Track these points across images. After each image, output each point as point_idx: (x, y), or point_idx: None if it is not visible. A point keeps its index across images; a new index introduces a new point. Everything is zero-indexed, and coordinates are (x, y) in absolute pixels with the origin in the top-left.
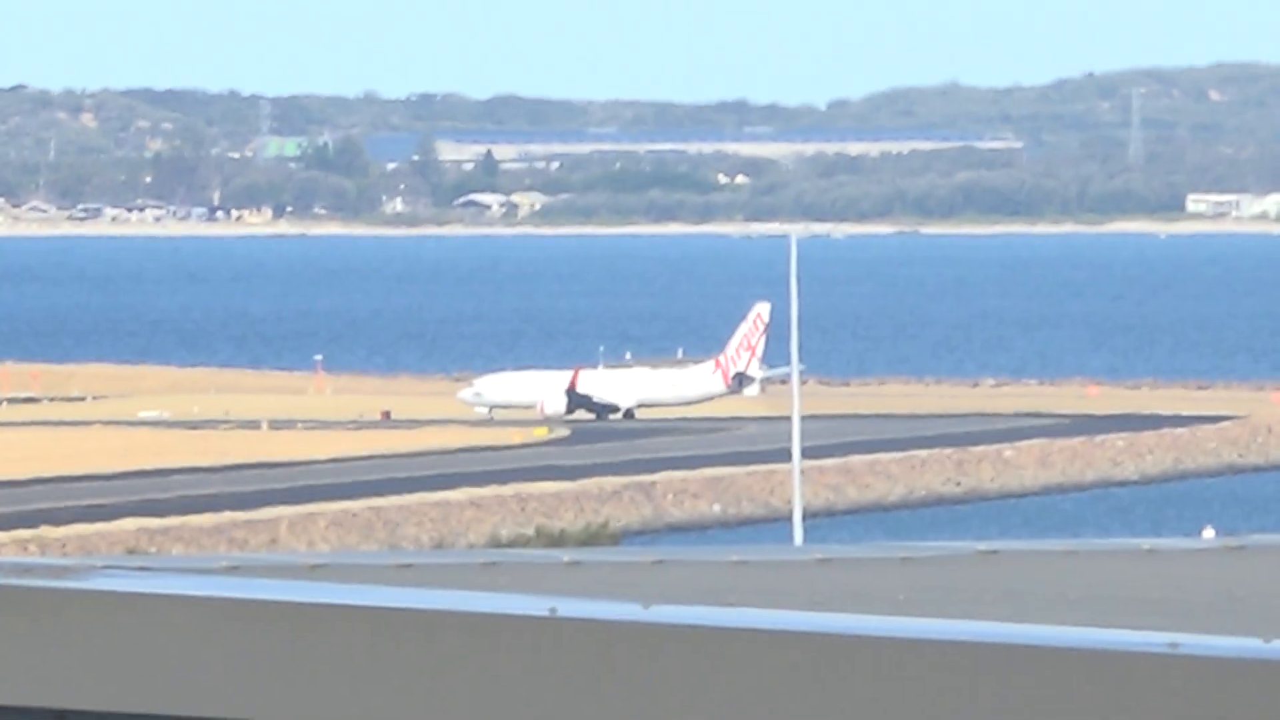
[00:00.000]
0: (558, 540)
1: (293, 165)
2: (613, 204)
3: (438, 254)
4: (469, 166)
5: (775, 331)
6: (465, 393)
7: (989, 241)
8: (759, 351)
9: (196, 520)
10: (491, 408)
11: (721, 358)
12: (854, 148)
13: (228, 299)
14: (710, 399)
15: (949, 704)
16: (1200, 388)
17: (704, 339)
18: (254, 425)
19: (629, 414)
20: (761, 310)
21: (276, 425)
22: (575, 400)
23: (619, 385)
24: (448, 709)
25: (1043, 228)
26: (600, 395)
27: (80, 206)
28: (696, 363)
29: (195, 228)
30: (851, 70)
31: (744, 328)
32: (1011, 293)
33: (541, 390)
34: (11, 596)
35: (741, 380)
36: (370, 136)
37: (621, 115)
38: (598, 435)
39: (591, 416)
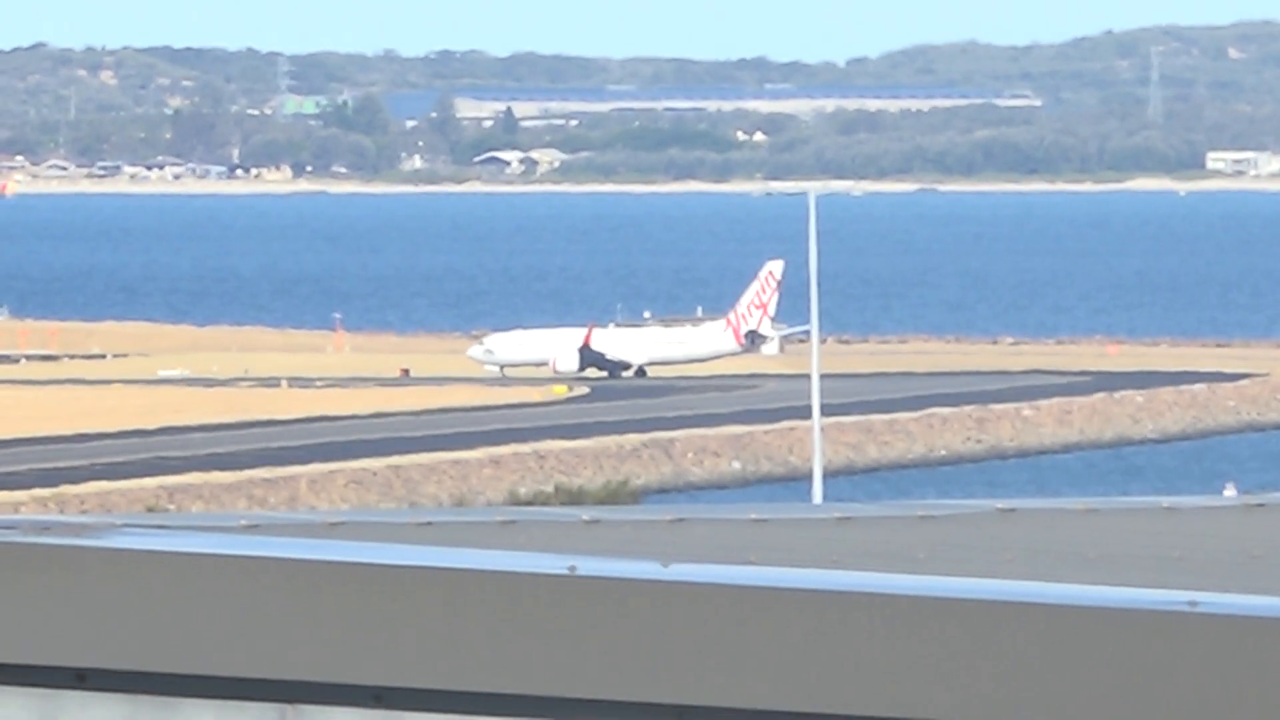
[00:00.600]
0: (577, 498)
1: (312, 123)
2: (632, 161)
3: (457, 211)
4: (488, 124)
5: (794, 289)
6: (475, 350)
7: (1008, 199)
8: (771, 309)
9: (216, 478)
10: (503, 366)
11: (732, 316)
12: (873, 104)
13: (247, 257)
14: (722, 357)
15: (968, 661)
16: (1219, 345)
17: (723, 297)
18: (273, 383)
19: (640, 371)
20: (773, 268)
21: (295, 383)
22: (588, 358)
23: (630, 343)
24: (466, 667)
25: (1061, 185)
26: (612, 353)
27: (100, 164)
28: (710, 320)
29: (214, 185)
30: (871, 27)
31: (755, 285)
32: (1030, 250)
33: (553, 348)
34: (31, 554)
35: (754, 338)
36: (389, 94)
37: (641, 72)
38: (617, 393)
39: (604, 374)
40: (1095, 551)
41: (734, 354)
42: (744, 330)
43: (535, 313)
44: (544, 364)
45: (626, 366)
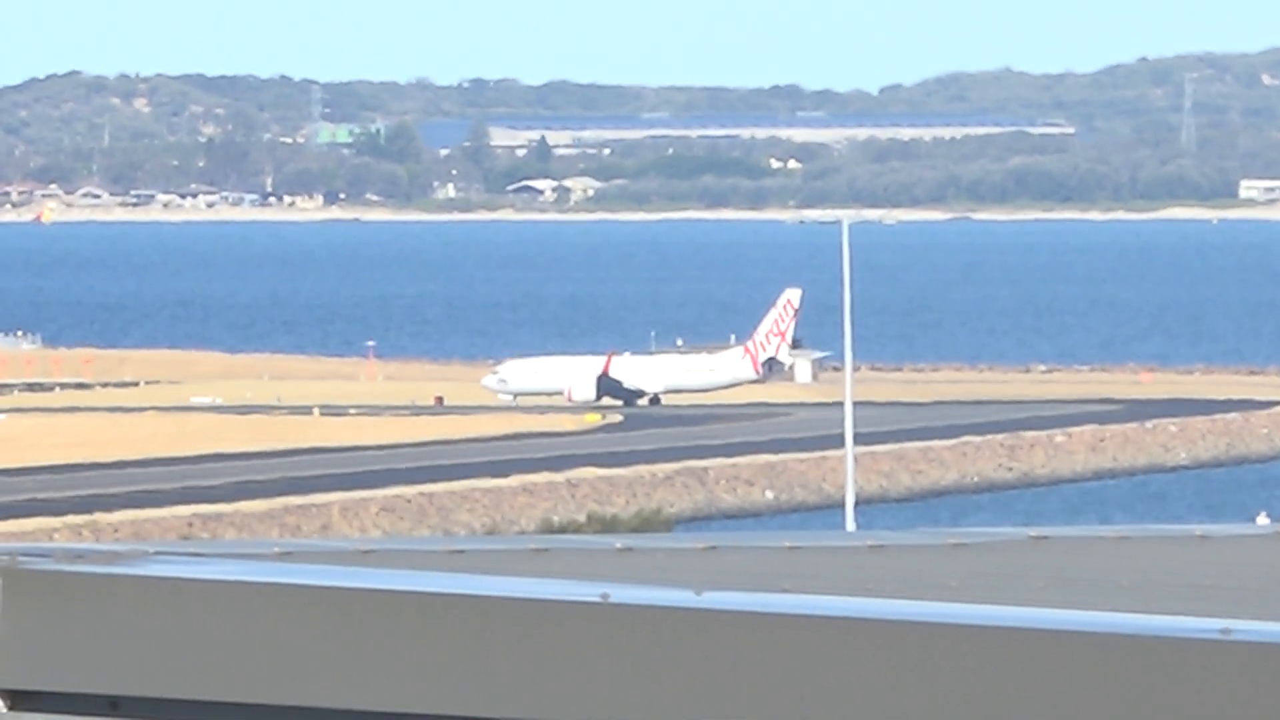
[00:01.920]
0: (610, 526)
1: (345, 151)
2: (665, 189)
3: (490, 240)
4: (522, 152)
5: (827, 317)
6: (489, 379)
7: (1041, 227)
8: (789, 337)
9: (249, 506)
10: (516, 394)
11: (750, 343)
12: (906, 133)
13: (280, 285)
14: (740, 385)
15: (1001, 690)
16: (1252, 373)
17: (756, 325)
18: (306, 411)
19: (655, 400)
20: (792, 296)
21: (328, 411)
22: (604, 386)
23: (647, 371)
24: (499, 695)
25: (1095, 213)
26: (628, 381)
27: (133, 192)
28: (729, 348)
29: (247, 213)
30: (904, 55)
31: (774, 313)
32: (1064, 278)
33: (567, 376)
34: (64, 582)
35: (772, 365)
36: (423, 122)
37: (674, 100)
38: (650, 421)
39: (619, 403)
40: (1128, 579)
41: (752, 382)
42: (762, 358)
43: (568, 341)
44: (558, 392)
45: (642, 395)
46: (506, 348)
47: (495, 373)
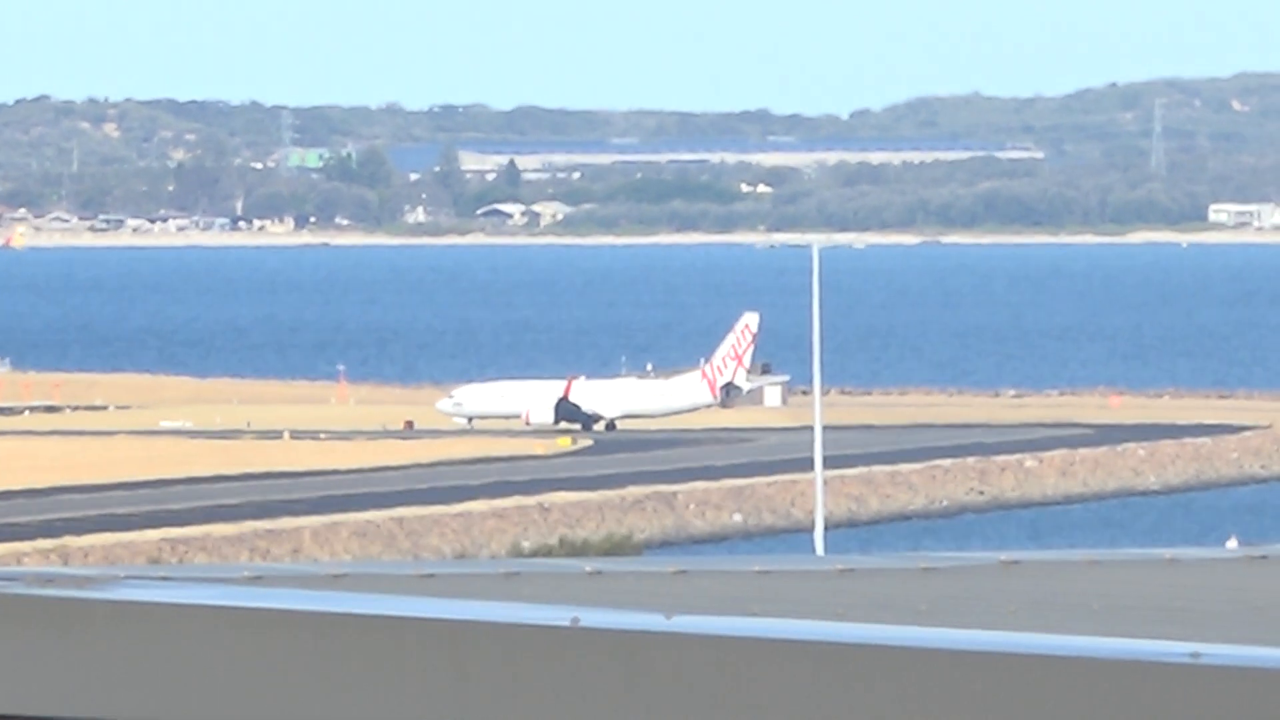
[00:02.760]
0: (580, 550)
1: (315, 176)
2: (635, 214)
3: (460, 263)
4: (491, 176)
5: (798, 342)
6: (444, 402)
7: (1011, 251)
8: (746, 361)
9: (219, 530)
10: (471, 418)
11: (707, 368)
12: (876, 157)
13: (250, 309)
14: (697, 409)
15: (971, 714)
16: (1222, 397)
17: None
18: (276, 435)
19: (610, 425)
20: (750, 320)
21: (298, 435)
22: (562, 410)
23: (604, 395)
24: (471, 718)
25: (1064, 237)
26: (586, 405)
27: (103, 217)
28: (684, 373)
29: (218, 238)
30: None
31: (731, 338)
32: (1033, 302)
33: (523, 399)
34: (34, 606)
35: (729, 391)
36: (393, 147)
37: (643, 125)
38: (620, 446)
39: (576, 427)
40: (1098, 603)
41: (709, 406)
42: (720, 383)
43: (537, 365)
44: (514, 416)
45: (599, 419)
46: (477, 372)
47: (450, 396)
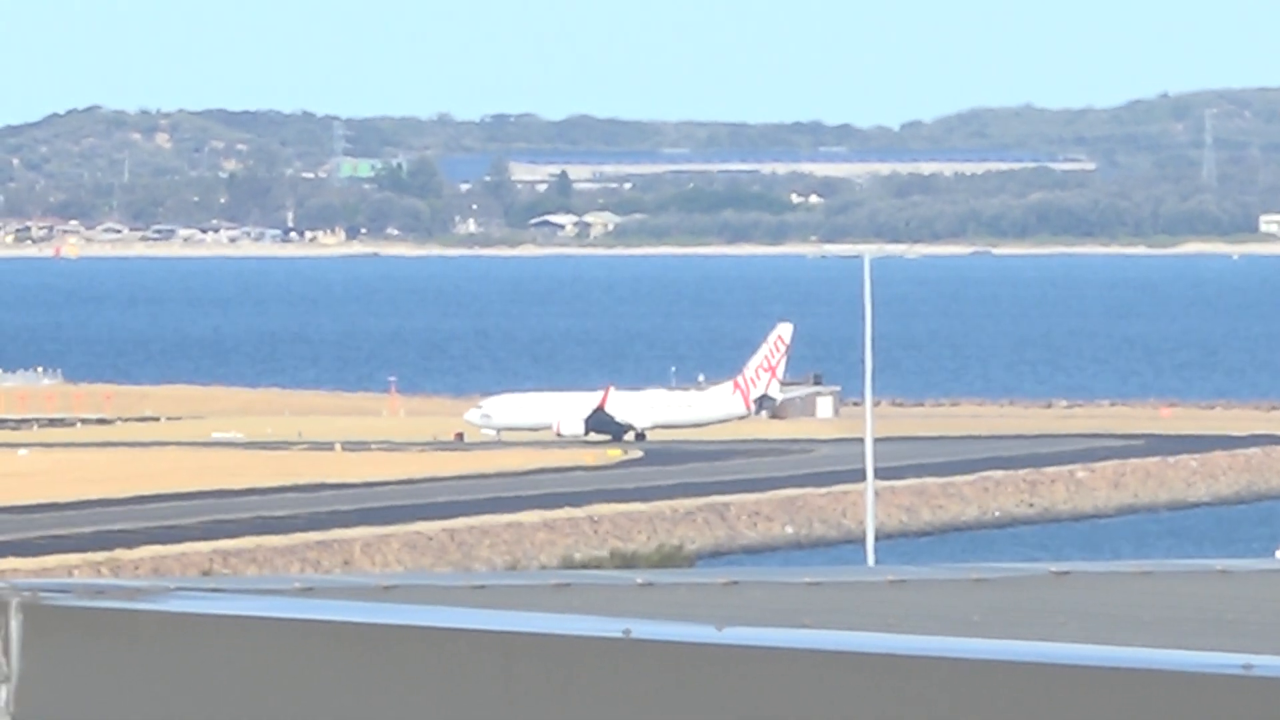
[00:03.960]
0: (631, 562)
1: (366, 186)
2: (686, 224)
3: (510, 275)
4: (542, 187)
5: (849, 353)
6: (472, 414)
7: (1062, 262)
8: (780, 372)
9: (270, 541)
10: (500, 430)
11: (740, 379)
12: (928, 168)
13: (301, 320)
14: (730, 421)
15: None
16: (1273, 408)
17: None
18: (327, 446)
19: (640, 435)
20: (783, 331)
21: (350, 446)
22: (593, 422)
23: (636, 406)
24: None
25: (1115, 248)
26: (618, 416)
27: (154, 227)
28: (717, 384)
29: (269, 249)
30: (925, 91)
31: (765, 348)
32: (1084, 313)
33: (553, 411)
34: (85, 618)
35: (763, 402)
36: (444, 157)
37: (695, 135)
38: (671, 457)
39: (607, 438)
40: (1150, 615)
41: (742, 418)
42: (753, 394)
43: (585, 376)
44: (544, 428)
45: (630, 430)
46: (526, 382)
47: (479, 407)
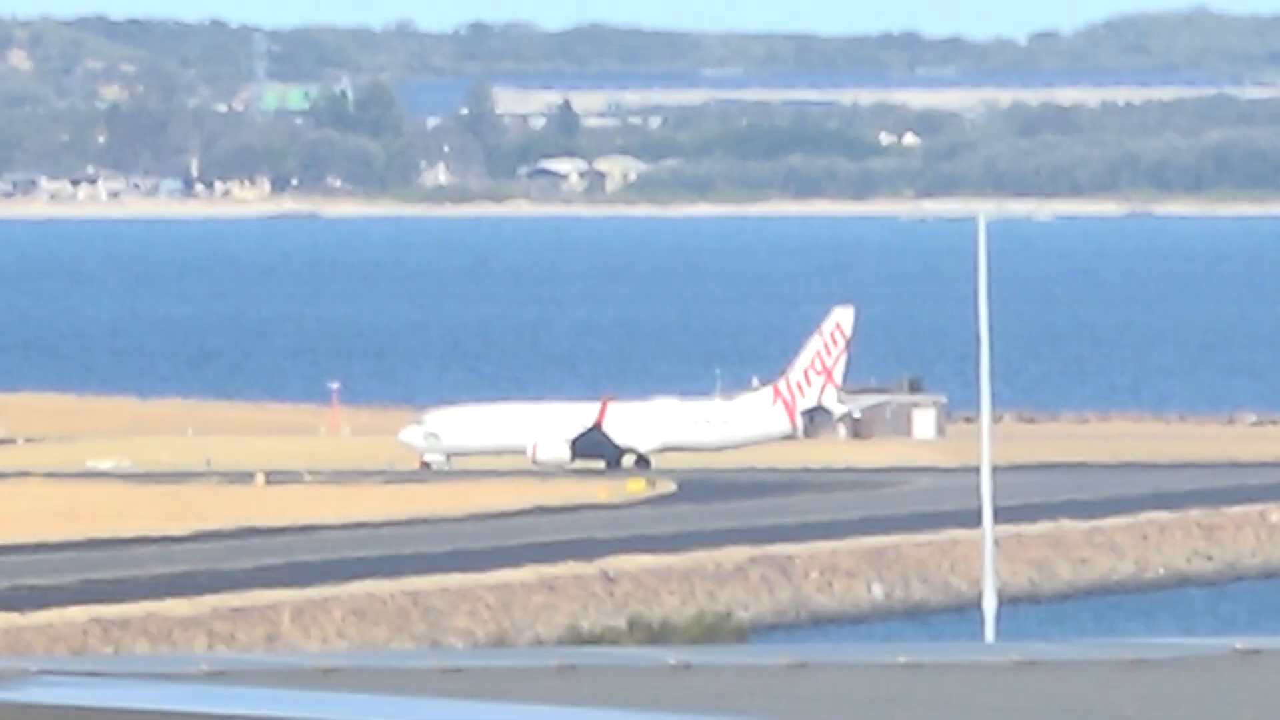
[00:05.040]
0: (660, 636)
1: (299, 121)
2: (737, 173)
3: (495, 240)
4: (538, 123)
5: (953, 349)
6: (409, 431)
7: (1248, 224)
8: (837, 375)
9: (167, 608)
10: (450, 454)
11: (783, 384)
12: (1065, 96)
13: (210, 304)
14: (766, 442)
15: None
16: None
17: (858, 358)
18: (245, 478)
19: (643, 460)
20: (842, 318)
21: (276, 478)
22: (583, 443)
23: (637, 423)
24: None
25: None
26: (615, 437)
27: (8, 177)
28: (754, 391)
29: (165, 206)
30: None
31: (816, 341)
32: (1278, 297)
33: (524, 429)
34: None
35: (815, 416)
36: (404, 83)
37: (748, 52)
38: (714, 491)
39: (600, 464)
40: None
41: (786, 437)
42: (801, 406)
43: (594, 381)
44: (512, 450)
45: (628, 453)
46: (518, 390)
47: (420, 424)
